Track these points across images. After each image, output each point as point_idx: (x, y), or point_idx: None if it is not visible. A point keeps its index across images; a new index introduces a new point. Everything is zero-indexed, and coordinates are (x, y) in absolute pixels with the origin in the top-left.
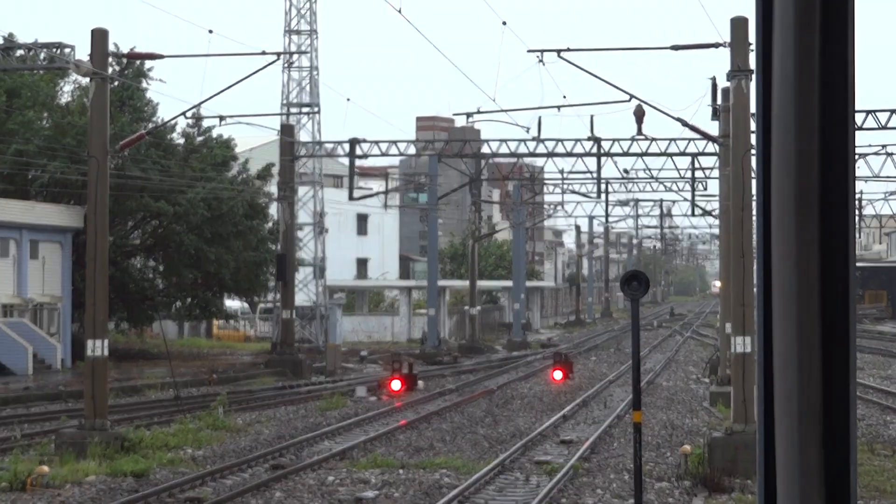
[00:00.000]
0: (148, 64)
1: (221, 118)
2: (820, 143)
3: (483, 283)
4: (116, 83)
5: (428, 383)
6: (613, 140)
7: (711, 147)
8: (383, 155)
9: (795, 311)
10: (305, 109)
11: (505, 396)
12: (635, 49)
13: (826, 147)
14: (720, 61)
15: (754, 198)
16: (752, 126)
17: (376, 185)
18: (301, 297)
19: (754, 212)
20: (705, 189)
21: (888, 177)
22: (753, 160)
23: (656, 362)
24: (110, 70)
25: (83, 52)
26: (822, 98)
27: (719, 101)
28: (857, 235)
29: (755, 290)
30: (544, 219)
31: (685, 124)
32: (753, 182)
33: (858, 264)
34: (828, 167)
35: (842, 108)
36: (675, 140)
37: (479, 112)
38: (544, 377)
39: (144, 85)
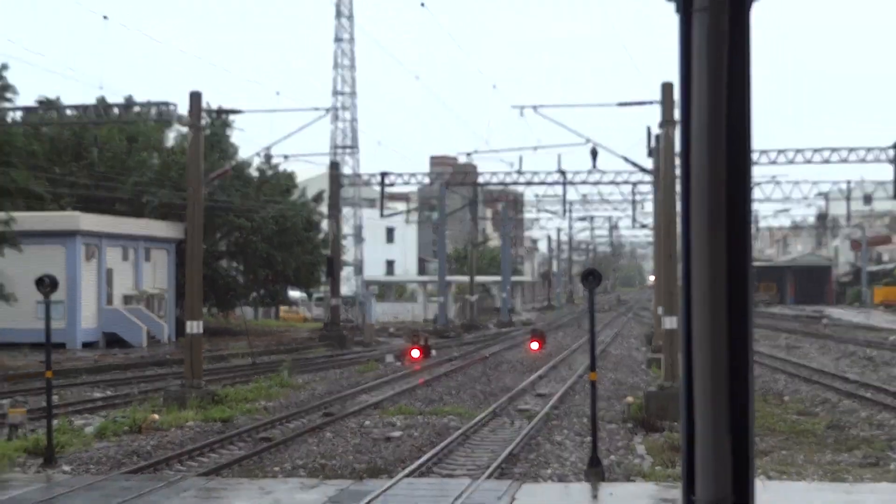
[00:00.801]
0: (231, 117)
1: (286, 157)
2: (726, 174)
3: (479, 278)
4: (208, 131)
5: (439, 352)
6: (575, 172)
7: (647, 177)
8: (406, 184)
9: (709, 297)
10: (348, 150)
11: (496, 361)
12: (591, 105)
13: (730, 177)
14: (654, 114)
15: (679, 214)
16: (677, 162)
17: (401, 206)
18: (345, 289)
19: (679, 225)
20: (643, 208)
21: (776, 199)
22: (678, 187)
23: (608, 336)
24: (203, 121)
25: (184, 108)
26: (728, 141)
27: (653, 144)
28: (755, 241)
29: (679, 282)
30: (524, 230)
31: (628, 161)
32: (678, 202)
33: (755, 263)
34: (732, 192)
35: (742, 148)
36: (620, 172)
37: (475, 152)
38: (525, 347)
39: (228, 132)
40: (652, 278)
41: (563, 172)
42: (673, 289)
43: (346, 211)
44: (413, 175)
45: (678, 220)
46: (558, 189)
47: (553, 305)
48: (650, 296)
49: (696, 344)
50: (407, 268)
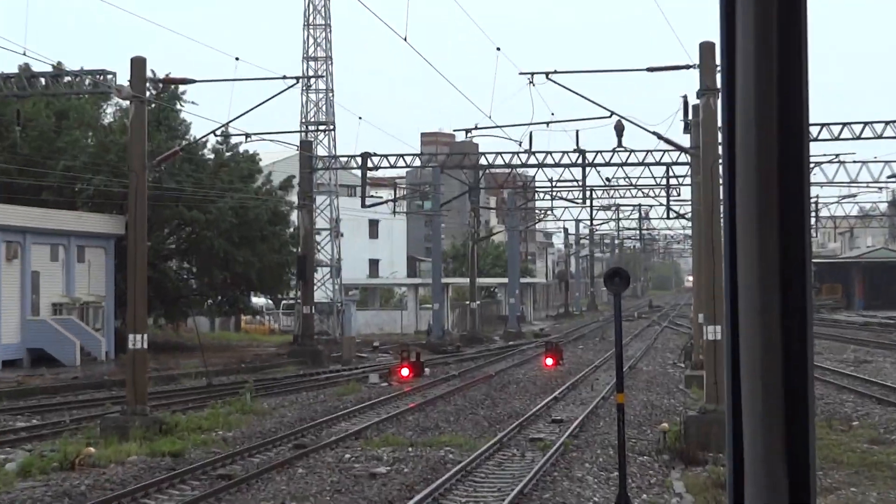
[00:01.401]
0: (181, 88)
1: (247, 135)
2: (778, 153)
3: (482, 281)
4: (153, 105)
5: (433, 370)
6: (597, 152)
7: (684, 157)
8: (392, 167)
9: (759, 301)
10: (322, 127)
11: (502, 381)
12: (615, 71)
13: (784, 156)
14: (691, 81)
15: (722, 202)
16: (719, 138)
17: (386, 194)
18: (319, 294)
19: (722, 214)
20: (679, 195)
21: (840, 182)
22: (721, 168)
23: (637, 349)
24: (148, 93)
25: (124, 78)
26: (780, 113)
27: (690, 117)
28: (814, 234)
29: (723, 283)
30: (536, 222)
31: (660, 137)
32: (721, 188)
33: (815, 260)
34: (785, 174)
35: (797, 121)
36: (651, 151)
37: (476, 128)
38: (537, 363)
39: (178, 106)
40: (690, 279)
41: (582, 152)
42: (716, 292)
43: (321, 200)
44: (401, 156)
45: (721, 208)
46: (577, 172)
47: (571, 312)
48: (689, 300)
49: (745, 358)
50: (394, 268)
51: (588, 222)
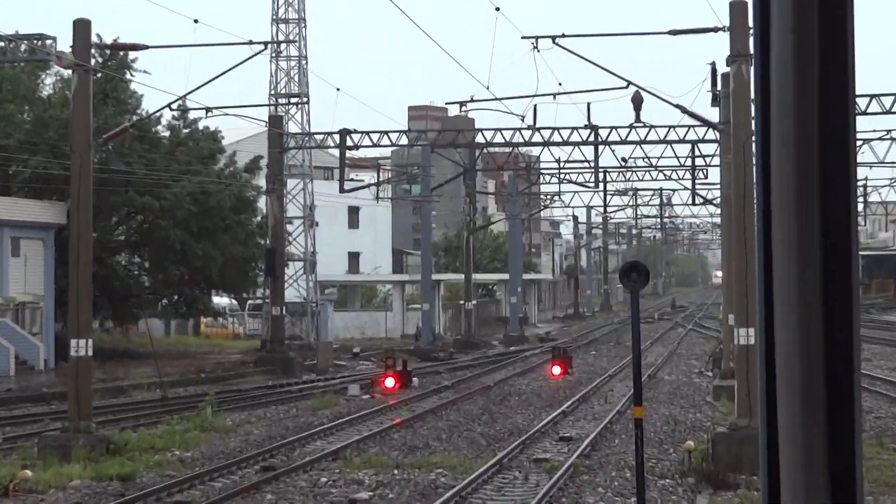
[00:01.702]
0: (132, 55)
1: (208, 110)
2: (820, 129)
3: (478, 277)
4: (99, 75)
5: (423, 380)
6: (611, 128)
7: (712, 134)
8: (374, 146)
9: (797, 300)
10: (294, 100)
11: (502, 393)
12: (632, 34)
13: (826, 132)
14: (720, 46)
15: (755, 185)
16: (753, 111)
17: (367, 177)
18: (291, 293)
19: (755, 199)
20: (706, 177)
21: (893, 162)
22: (754, 147)
23: (658, 356)
24: (93, 62)
25: (65, 44)
26: (822, 82)
27: (719, 87)
28: (862, 223)
29: (756, 279)
30: (541, 209)
31: (684, 111)
32: (754, 169)
33: (864, 253)
34: (828, 153)
35: (842, 92)
36: (674, 127)
37: (472, 101)
38: (542, 372)
39: (128, 77)
40: (719, 275)
41: (594, 128)
42: (749, 289)
43: (293, 184)
44: (385, 133)
45: (755, 192)
46: (588, 151)
47: (582, 313)
48: (717, 299)
49: (782, 366)
50: (378, 263)
51: (601, 209)
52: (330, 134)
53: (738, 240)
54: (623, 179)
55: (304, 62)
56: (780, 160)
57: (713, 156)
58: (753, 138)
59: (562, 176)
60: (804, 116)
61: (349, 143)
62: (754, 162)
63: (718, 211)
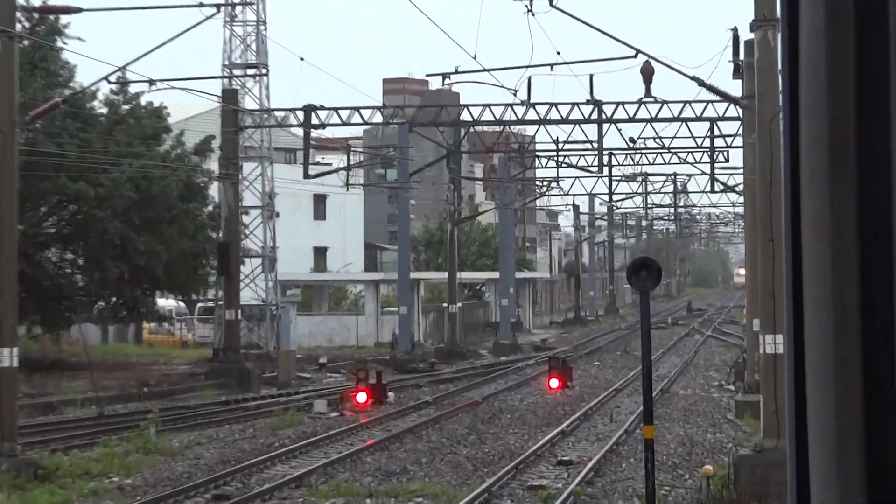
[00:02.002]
0: (64, 19)
1: (151, 82)
2: (857, 103)
3: (465, 275)
4: (26, 43)
5: (400, 395)
6: (617, 104)
7: (733, 110)
8: (344, 124)
9: (831, 302)
10: (251, 71)
11: (492, 410)
12: None
13: (865, 107)
14: (742, 9)
15: (782, 169)
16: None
17: (336, 160)
18: (248, 295)
19: (783, 185)
20: (727, 160)
21: None
22: (781, 125)
23: (671, 367)
24: (18, 27)
25: None
26: (859, 49)
27: (741, 57)
28: None
29: (784, 277)
30: (536, 198)
31: (702, 84)
32: (781, 150)
33: None
34: (867, 131)
35: (882, 60)
36: (690, 103)
37: (457, 72)
38: (538, 386)
39: (60, 44)
40: (742, 273)
41: (597, 104)
42: (776, 289)
43: (250, 169)
44: (356, 110)
45: (782, 177)
46: (591, 131)
47: (583, 318)
48: (740, 301)
49: (813, 378)
50: (348, 259)
51: (606, 197)
52: (293, 110)
53: (764, 233)
54: (631, 163)
55: (262, 28)
56: (811, 140)
57: (735, 135)
58: (781, 115)
59: (560, 159)
60: (839, 89)
61: (315, 121)
62: (782, 142)
63: (741, 199)
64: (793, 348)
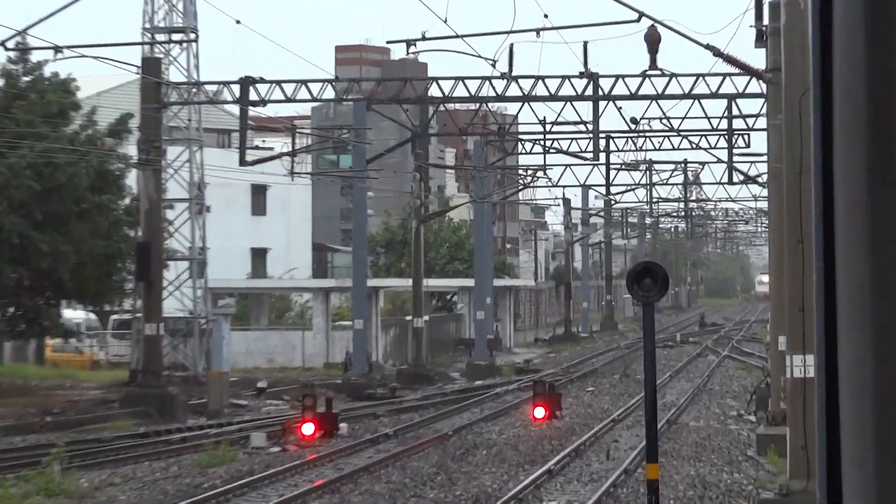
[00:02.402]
0: None
1: (58, 49)
2: None
3: (433, 283)
4: None
5: (354, 427)
6: (616, 77)
7: (756, 86)
8: (289, 100)
9: (870, 315)
10: (177, 37)
11: (464, 444)
12: None
13: None
14: None
15: (813, 155)
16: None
17: (279, 144)
18: (172, 305)
19: (813, 175)
20: (748, 145)
21: None
22: (812, 103)
23: (680, 393)
24: None
25: None
26: None
27: (766, 22)
28: None
29: (815, 286)
30: (519, 189)
31: (718, 54)
32: (812, 133)
33: None
34: None
35: None
36: (703, 76)
37: (424, 39)
38: (521, 416)
39: None
40: (765, 280)
41: (593, 77)
42: (806, 302)
43: (175, 153)
44: (303, 84)
45: (812, 165)
46: (585, 109)
47: (575, 334)
48: (762, 314)
49: (849, 408)
50: (293, 263)
51: (603, 190)
52: (227, 84)
53: (793, 233)
54: (633, 149)
55: None
56: (845, 121)
57: (758, 115)
58: (811, 91)
59: (548, 143)
60: (879, 61)
61: (253, 96)
62: (812, 126)
63: (764, 192)
64: (825, 371)
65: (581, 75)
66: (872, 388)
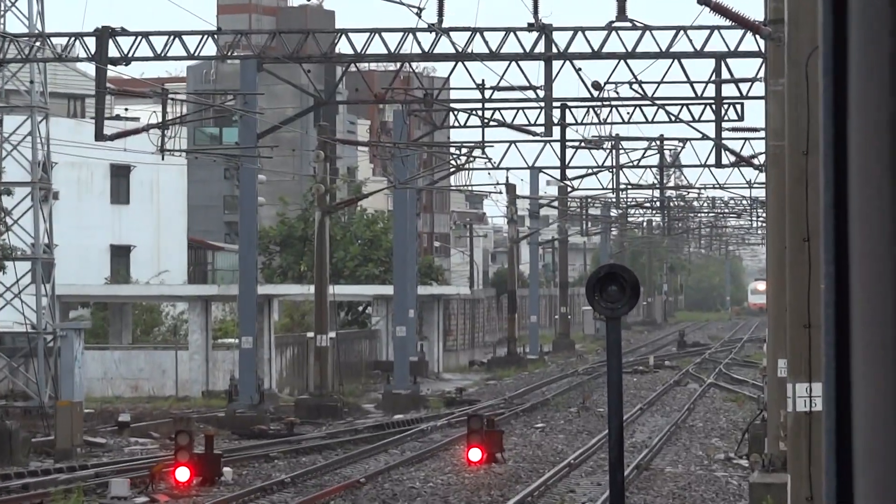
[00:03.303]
0: None
1: None
2: None
3: (341, 290)
4: None
5: (241, 471)
6: (575, 30)
7: (750, 42)
8: (159, 57)
9: (891, 333)
10: None
11: (381, 495)
12: None
13: None
14: None
15: (823, 129)
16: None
17: (147, 114)
18: (9, 317)
19: (822, 155)
20: (741, 118)
21: None
22: (821, 66)
23: (654, 430)
24: None
25: None
26: None
27: None
28: None
29: (823, 297)
30: (451, 172)
31: (704, 2)
32: (821, 103)
33: None
34: None
35: None
36: (685, 30)
37: None
38: (452, 459)
39: None
40: (760, 289)
41: (544, 30)
42: (812, 317)
43: (12, 125)
44: (177, 36)
45: (822, 142)
46: (534, 71)
47: (521, 356)
48: (758, 331)
49: (864, 449)
50: (164, 266)
51: (557, 174)
52: (79, 36)
53: (796, 228)
54: (596, 121)
55: None
56: (863, 86)
57: (754, 80)
58: (820, 49)
59: (488, 115)
60: None
61: (114, 52)
62: (821, 95)
63: (762, 177)
64: (835, 404)
65: (530, 27)
66: (894, 425)
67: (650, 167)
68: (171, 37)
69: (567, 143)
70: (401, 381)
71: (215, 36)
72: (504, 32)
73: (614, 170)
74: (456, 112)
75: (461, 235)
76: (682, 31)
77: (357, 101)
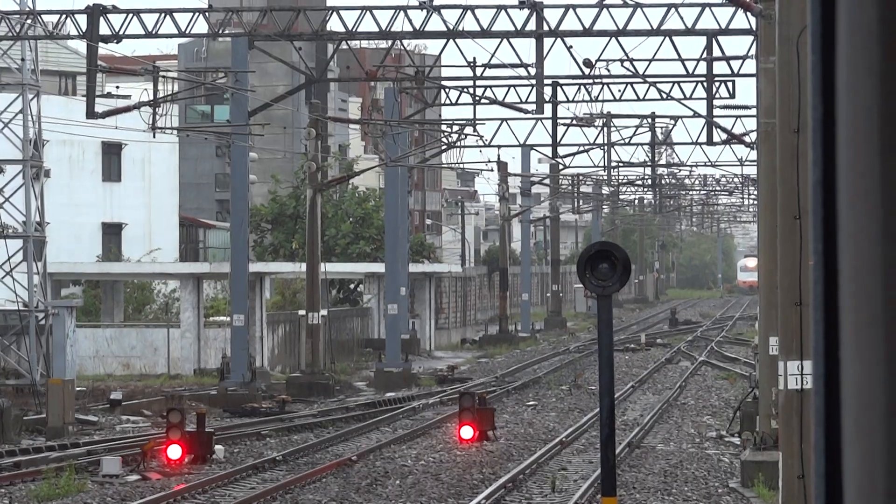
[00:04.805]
0: None
1: None
2: None
3: (333, 268)
4: None
5: (233, 449)
6: (566, 7)
7: (743, 19)
8: (149, 36)
9: (881, 311)
10: None
11: (372, 473)
12: None
13: None
14: None
15: (812, 109)
16: None
17: (138, 92)
18: (2, 295)
19: (811, 134)
20: (732, 95)
21: None
22: (810, 44)
23: (646, 408)
24: None
25: None
26: None
27: None
28: None
29: (812, 275)
30: (443, 150)
31: None
32: (810, 82)
33: None
34: None
35: None
36: (677, 7)
37: None
38: (444, 437)
39: None
40: (751, 267)
41: (535, 7)
42: (804, 294)
43: (4, 103)
44: (168, 14)
45: (811, 121)
46: (524, 48)
47: (513, 333)
48: (749, 309)
49: (854, 427)
50: (155, 244)
51: (548, 151)
52: (70, 14)
53: (787, 206)
54: (587, 99)
55: None
56: (852, 64)
57: (745, 58)
58: (809, 26)
59: (479, 92)
60: None
61: (105, 30)
62: (810, 72)
63: (753, 155)
64: (823, 382)
65: (521, 5)
66: (884, 403)
67: (642, 145)
68: (163, 14)
69: (558, 121)
70: (392, 359)
71: (206, 13)
72: (495, 10)
73: (606, 147)
74: (447, 90)
75: (453, 213)
76: (673, 9)
77: (348, 78)
